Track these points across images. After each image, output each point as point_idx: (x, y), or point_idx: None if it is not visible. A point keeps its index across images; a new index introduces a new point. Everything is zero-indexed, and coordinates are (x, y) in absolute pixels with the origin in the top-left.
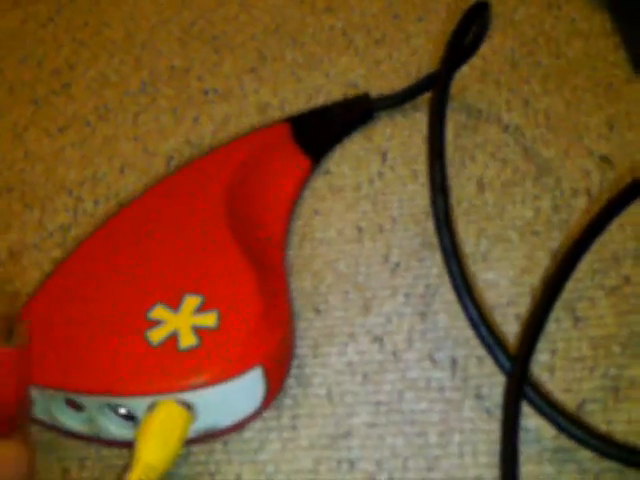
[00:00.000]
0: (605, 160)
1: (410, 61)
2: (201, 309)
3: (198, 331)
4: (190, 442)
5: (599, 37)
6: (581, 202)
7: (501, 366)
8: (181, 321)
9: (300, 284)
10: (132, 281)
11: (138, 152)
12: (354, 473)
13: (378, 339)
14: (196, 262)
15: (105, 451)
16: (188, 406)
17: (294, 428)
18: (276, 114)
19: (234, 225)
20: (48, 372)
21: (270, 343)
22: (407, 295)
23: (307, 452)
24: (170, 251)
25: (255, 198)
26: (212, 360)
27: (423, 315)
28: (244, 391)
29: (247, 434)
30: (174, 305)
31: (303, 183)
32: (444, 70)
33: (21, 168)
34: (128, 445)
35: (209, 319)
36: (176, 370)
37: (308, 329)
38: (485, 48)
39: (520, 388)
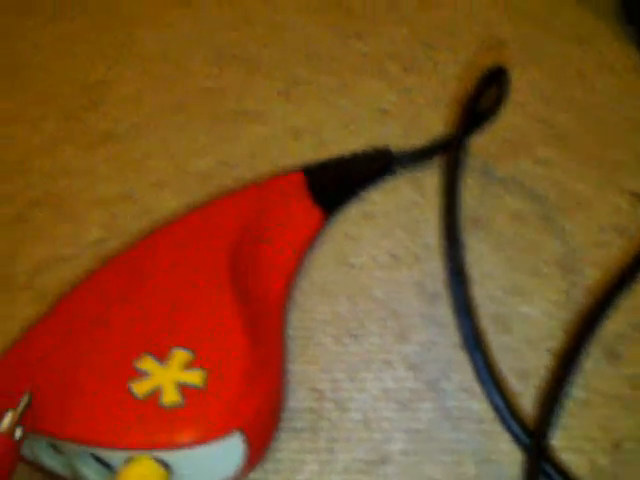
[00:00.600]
0: (636, 196)
1: (440, 89)
2: (189, 365)
3: (183, 388)
4: None
5: (630, 72)
6: (613, 238)
7: (519, 441)
8: (167, 376)
9: (335, 308)
10: (123, 327)
11: (172, 170)
12: None
13: (414, 367)
14: (191, 315)
15: None
16: (165, 464)
17: (331, 451)
18: (309, 138)
19: (235, 279)
20: (31, 414)
21: (253, 409)
22: (443, 325)
23: (343, 476)
24: (166, 300)
25: (261, 251)
26: (192, 421)
27: (459, 346)
28: (223, 455)
29: (283, 454)
30: (162, 357)
31: (314, 237)
32: (457, 138)
33: (55, 183)
34: None
35: (196, 377)
36: (155, 427)
37: (344, 353)
38: (518, 80)
39: (537, 466)
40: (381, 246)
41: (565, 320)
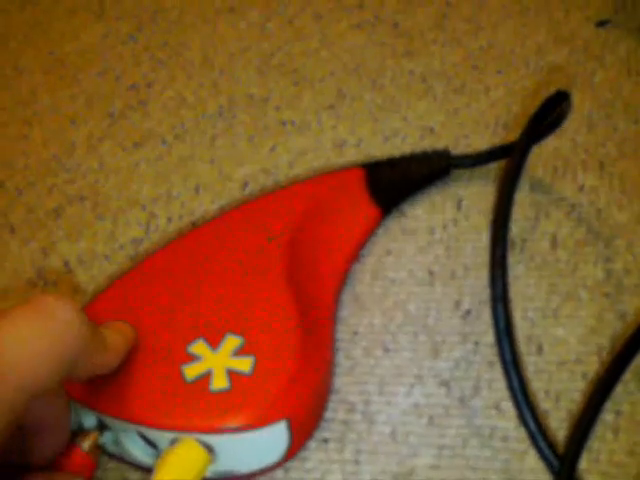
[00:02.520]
0: None
1: (488, 112)
2: (239, 352)
3: (231, 374)
4: None
5: None
6: None
7: (549, 465)
8: (217, 361)
9: (370, 321)
10: (179, 311)
11: (213, 175)
12: None
13: (445, 383)
14: (244, 303)
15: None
16: (209, 448)
17: (357, 463)
18: (352, 152)
19: (290, 269)
20: (82, 389)
21: (299, 399)
22: (476, 343)
23: None
24: (221, 287)
25: (317, 242)
26: (239, 407)
27: (492, 364)
28: (267, 442)
29: (309, 464)
30: (214, 343)
31: (369, 233)
32: (516, 157)
33: (95, 179)
34: (149, 471)
35: (244, 364)
36: (202, 411)
37: (376, 366)
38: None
39: None
40: (418, 262)
41: (599, 345)
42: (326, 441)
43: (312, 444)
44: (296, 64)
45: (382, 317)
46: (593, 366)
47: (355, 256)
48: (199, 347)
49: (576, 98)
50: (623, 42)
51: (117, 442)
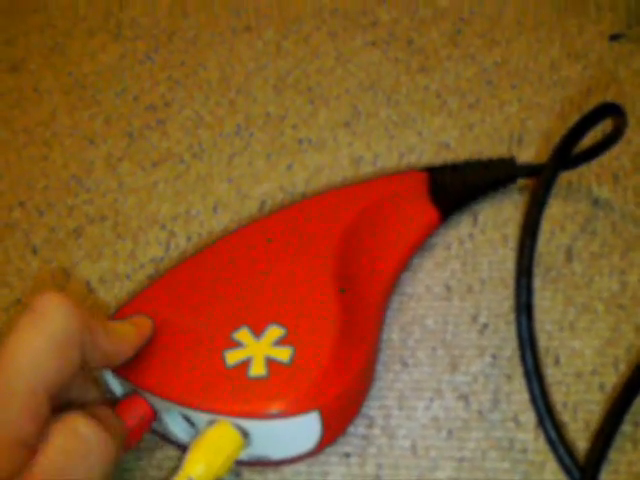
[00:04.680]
0: None
1: (503, 127)
2: (280, 342)
3: (270, 363)
4: (240, 464)
5: None
6: None
7: (570, 476)
8: (258, 349)
9: (388, 336)
10: (228, 299)
11: (231, 193)
12: None
13: (464, 397)
14: (291, 295)
15: None
16: (243, 432)
17: (378, 477)
18: (369, 169)
19: (341, 266)
20: (128, 367)
21: (332, 393)
22: (494, 356)
23: None
24: (271, 277)
25: (373, 242)
26: (273, 395)
27: (510, 377)
28: (299, 431)
29: (331, 477)
30: (257, 331)
31: (426, 237)
32: (546, 178)
33: (114, 198)
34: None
35: (284, 354)
36: (239, 396)
37: (395, 381)
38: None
39: None
40: (436, 277)
41: (615, 356)
42: (347, 456)
43: (334, 459)
44: (312, 82)
45: (400, 332)
46: (610, 377)
47: (409, 258)
48: (243, 334)
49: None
50: (637, 56)
51: (159, 419)
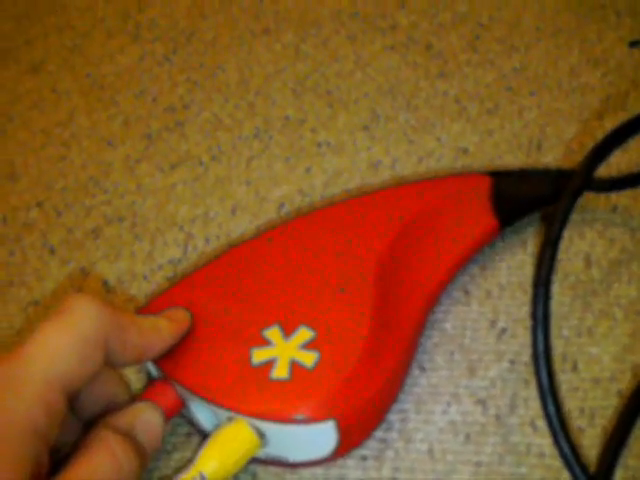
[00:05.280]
0: None
1: (522, 133)
2: (308, 345)
3: (294, 366)
4: (257, 461)
5: None
6: None
7: None
8: (285, 350)
9: None
10: (263, 295)
11: (250, 196)
12: None
13: (481, 402)
14: (326, 299)
15: None
16: (260, 432)
17: None
18: (387, 173)
19: (383, 271)
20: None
21: (351, 403)
22: (512, 362)
23: None
24: (309, 277)
25: (421, 252)
26: (291, 400)
27: (527, 383)
28: (315, 438)
29: None
30: (288, 331)
31: (482, 245)
32: (567, 200)
33: (133, 200)
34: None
35: (309, 358)
36: (258, 396)
37: (413, 385)
38: (599, 128)
39: None
40: (454, 281)
41: (633, 363)
42: (364, 459)
43: (350, 462)
44: (331, 85)
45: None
46: (628, 384)
47: (461, 267)
48: (274, 333)
49: (608, 119)
50: None
51: (186, 405)
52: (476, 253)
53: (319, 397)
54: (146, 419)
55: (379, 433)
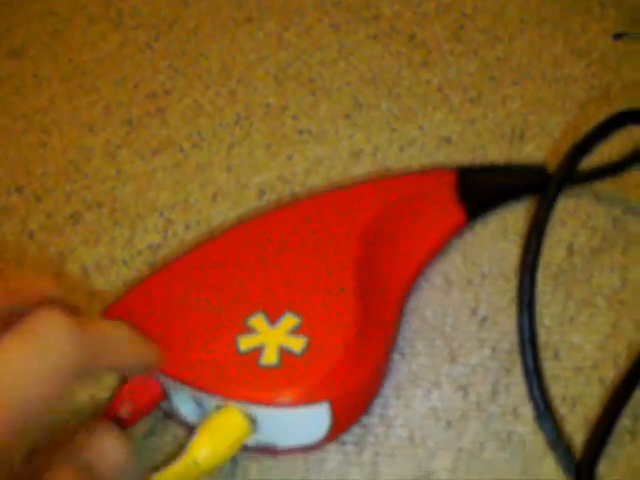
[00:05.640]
0: None
1: (505, 123)
2: (295, 331)
3: (282, 352)
4: (246, 450)
5: None
6: None
7: (567, 471)
8: (273, 337)
9: None
10: (245, 284)
11: (231, 182)
12: None
13: (462, 388)
14: (309, 285)
15: None
16: (251, 419)
17: (375, 465)
18: (368, 161)
19: (362, 261)
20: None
21: (343, 386)
22: (494, 349)
23: None
24: (290, 267)
25: (395, 239)
26: (283, 384)
27: (508, 370)
28: (308, 422)
29: (327, 465)
30: (273, 318)
31: (451, 237)
32: (552, 190)
33: (112, 185)
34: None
35: (297, 344)
36: (249, 382)
37: (393, 371)
38: (584, 116)
39: None
40: (435, 269)
41: (615, 352)
42: (344, 444)
43: (331, 447)
44: (313, 74)
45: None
46: (609, 372)
47: (432, 257)
48: (258, 321)
49: (591, 110)
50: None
51: (167, 398)
52: (446, 243)
53: (312, 380)
54: (108, 451)
55: (360, 418)
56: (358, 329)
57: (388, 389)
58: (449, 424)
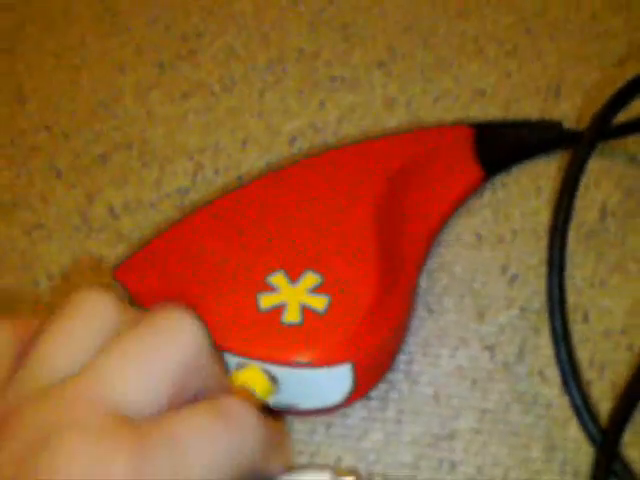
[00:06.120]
0: None
1: (540, 77)
2: (316, 290)
3: (305, 310)
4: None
5: None
6: None
7: (592, 438)
8: (294, 295)
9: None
10: (265, 242)
11: (261, 128)
12: (455, 474)
13: (490, 348)
14: (329, 241)
15: None
16: (272, 378)
17: (398, 422)
18: (402, 110)
19: (381, 217)
20: (158, 298)
21: (366, 346)
22: (523, 309)
23: (409, 447)
24: (308, 223)
25: (413, 195)
26: (306, 344)
27: (537, 331)
28: (330, 383)
29: (351, 421)
30: (294, 277)
31: (469, 193)
32: (584, 147)
33: (142, 127)
34: None
35: (319, 302)
36: (270, 341)
37: (420, 327)
38: (621, 75)
39: (609, 466)
40: (466, 224)
41: None
42: (369, 399)
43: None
44: (347, 19)
45: (427, 278)
46: (638, 338)
47: (451, 214)
48: (278, 278)
49: (630, 66)
50: None
51: None
52: (464, 201)
53: (335, 340)
54: None
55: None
56: (380, 288)
57: (415, 346)
58: (474, 384)
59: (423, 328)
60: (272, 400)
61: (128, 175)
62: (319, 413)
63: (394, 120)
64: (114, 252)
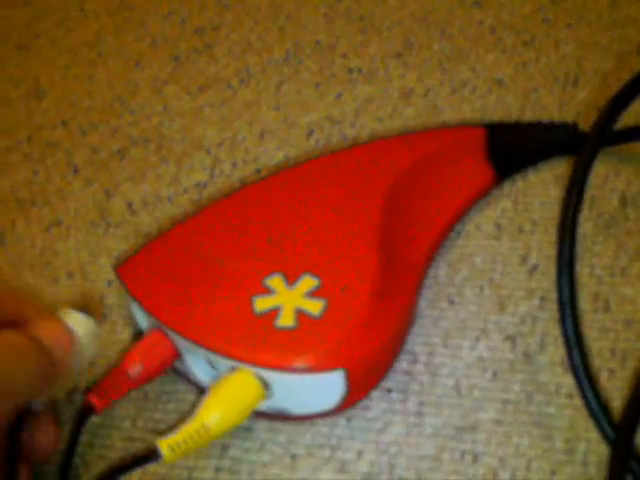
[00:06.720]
0: None
1: (558, 67)
2: (313, 293)
3: (299, 314)
4: (258, 415)
5: None
6: None
7: (605, 435)
8: (290, 298)
9: (435, 272)
10: (263, 243)
11: (279, 121)
12: (477, 467)
13: (511, 338)
14: (329, 247)
15: None
16: (264, 383)
17: (420, 414)
18: (419, 101)
19: (385, 221)
20: (154, 300)
21: (360, 352)
22: (543, 299)
23: (431, 439)
24: (311, 225)
25: (421, 199)
26: (298, 348)
27: (558, 321)
28: (322, 389)
29: (371, 413)
30: (291, 280)
31: (480, 196)
32: (591, 147)
33: (159, 121)
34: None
35: (315, 306)
36: (263, 345)
37: (440, 318)
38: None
39: (624, 463)
40: (485, 215)
41: None
42: (389, 391)
43: (375, 393)
44: (363, 11)
45: (447, 269)
46: None
47: (459, 218)
48: (275, 281)
49: None
50: None
51: (181, 358)
52: (473, 205)
53: (328, 346)
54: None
55: (404, 365)
56: (378, 294)
57: (435, 337)
58: (496, 375)
59: (444, 319)
60: (264, 405)
61: (145, 170)
62: (311, 418)
63: (411, 111)
64: (132, 248)
